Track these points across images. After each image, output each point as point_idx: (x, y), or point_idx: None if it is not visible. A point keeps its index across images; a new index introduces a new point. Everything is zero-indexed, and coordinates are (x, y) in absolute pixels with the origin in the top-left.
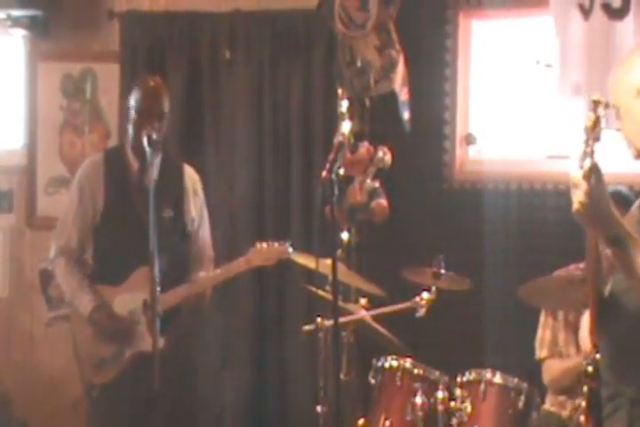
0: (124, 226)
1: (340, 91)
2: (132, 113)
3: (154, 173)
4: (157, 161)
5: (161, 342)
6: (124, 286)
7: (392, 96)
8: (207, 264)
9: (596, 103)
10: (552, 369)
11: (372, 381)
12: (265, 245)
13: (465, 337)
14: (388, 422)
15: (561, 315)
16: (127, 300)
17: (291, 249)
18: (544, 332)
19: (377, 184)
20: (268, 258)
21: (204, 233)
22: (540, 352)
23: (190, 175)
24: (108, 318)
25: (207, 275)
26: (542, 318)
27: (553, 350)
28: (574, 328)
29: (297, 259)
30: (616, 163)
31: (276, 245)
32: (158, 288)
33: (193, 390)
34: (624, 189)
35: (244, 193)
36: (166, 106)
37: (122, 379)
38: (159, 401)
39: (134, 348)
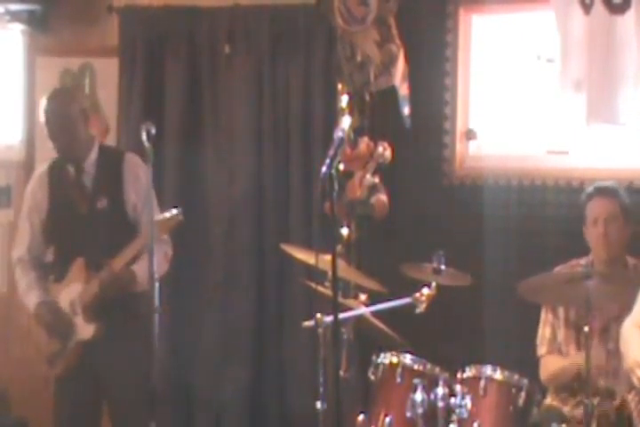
0: (62, 225)
1: (339, 86)
2: None
3: (90, 168)
4: (93, 156)
5: (92, 330)
6: (66, 281)
7: (392, 91)
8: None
9: None
10: (549, 365)
11: (372, 377)
12: (161, 216)
13: (465, 333)
14: (387, 419)
15: (562, 312)
16: (68, 292)
17: (181, 217)
18: (544, 329)
19: (377, 180)
20: (165, 227)
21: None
22: (540, 349)
23: (131, 162)
24: (50, 312)
25: (116, 258)
26: (543, 315)
27: (552, 346)
28: (575, 326)
29: (297, 255)
30: (614, 159)
31: (168, 214)
32: (156, 278)
33: (147, 376)
34: (610, 183)
35: (244, 188)
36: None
37: (71, 369)
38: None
39: (75, 338)
